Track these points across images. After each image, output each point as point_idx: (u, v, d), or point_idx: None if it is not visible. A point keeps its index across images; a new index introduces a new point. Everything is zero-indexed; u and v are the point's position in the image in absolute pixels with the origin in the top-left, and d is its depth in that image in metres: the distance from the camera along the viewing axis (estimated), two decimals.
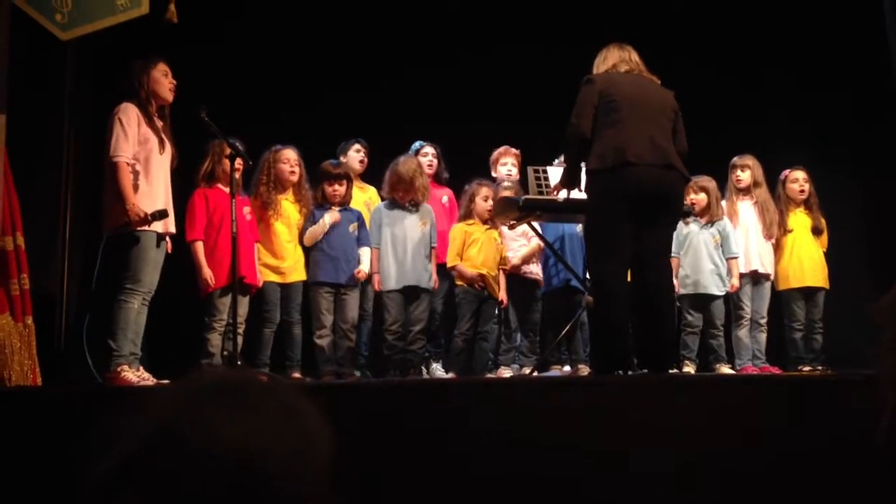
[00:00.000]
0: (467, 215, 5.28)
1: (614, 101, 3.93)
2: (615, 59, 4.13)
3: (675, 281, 5.36)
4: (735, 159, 5.70)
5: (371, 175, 5.59)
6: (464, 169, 5.80)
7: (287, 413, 0.86)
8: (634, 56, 4.17)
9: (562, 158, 4.47)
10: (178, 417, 0.83)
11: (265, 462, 0.81)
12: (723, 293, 5.46)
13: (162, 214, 4.05)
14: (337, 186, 5.07)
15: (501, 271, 5.27)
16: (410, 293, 5.06)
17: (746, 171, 5.63)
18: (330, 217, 4.97)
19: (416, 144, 5.74)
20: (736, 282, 5.46)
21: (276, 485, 0.81)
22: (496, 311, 5.33)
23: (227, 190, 4.58)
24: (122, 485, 0.81)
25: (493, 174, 5.73)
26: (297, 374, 4.88)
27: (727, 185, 5.69)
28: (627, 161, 3.82)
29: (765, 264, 5.54)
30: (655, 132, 3.93)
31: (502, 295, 5.25)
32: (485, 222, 5.25)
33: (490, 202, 5.22)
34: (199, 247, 4.62)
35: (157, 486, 0.80)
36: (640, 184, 3.83)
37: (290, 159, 5.01)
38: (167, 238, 4.27)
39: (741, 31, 6.56)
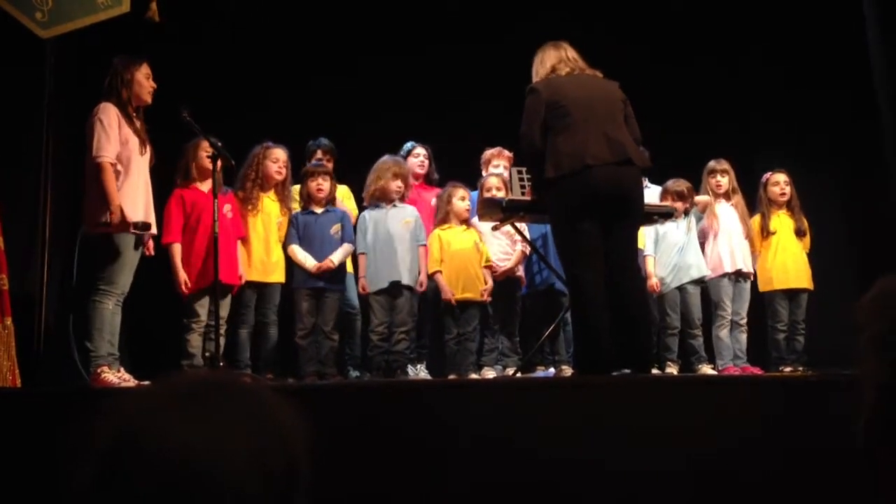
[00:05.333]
0: (444, 219, 5.25)
1: (562, 107, 3.92)
2: (553, 61, 4.11)
3: (654, 280, 5.41)
4: (713, 164, 5.72)
5: (349, 173, 5.57)
6: (451, 171, 5.79)
7: (259, 417, 0.86)
8: (571, 53, 4.14)
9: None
10: (135, 421, 0.83)
11: (233, 467, 0.81)
12: (704, 273, 5.51)
13: (145, 226, 4.04)
14: (320, 181, 5.08)
15: (486, 269, 5.25)
16: (394, 290, 5.04)
17: (726, 176, 5.67)
18: (313, 266, 4.95)
19: (408, 145, 5.71)
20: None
21: (244, 490, 0.82)
22: (479, 313, 5.30)
23: (205, 189, 4.56)
24: (93, 488, 0.81)
25: (485, 174, 5.72)
26: (269, 375, 4.85)
27: (702, 187, 5.72)
28: (586, 164, 3.83)
29: (747, 263, 5.59)
30: (609, 128, 3.92)
31: (486, 293, 5.20)
32: (463, 222, 5.24)
33: (467, 202, 5.21)
34: (176, 249, 4.59)
35: (126, 490, 0.81)
36: (599, 185, 3.83)
37: (279, 159, 5.00)
38: (146, 239, 4.24)
39: (719, 34, 6.60)
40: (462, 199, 5.21)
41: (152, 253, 4.38)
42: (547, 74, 4.10)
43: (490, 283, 5.21)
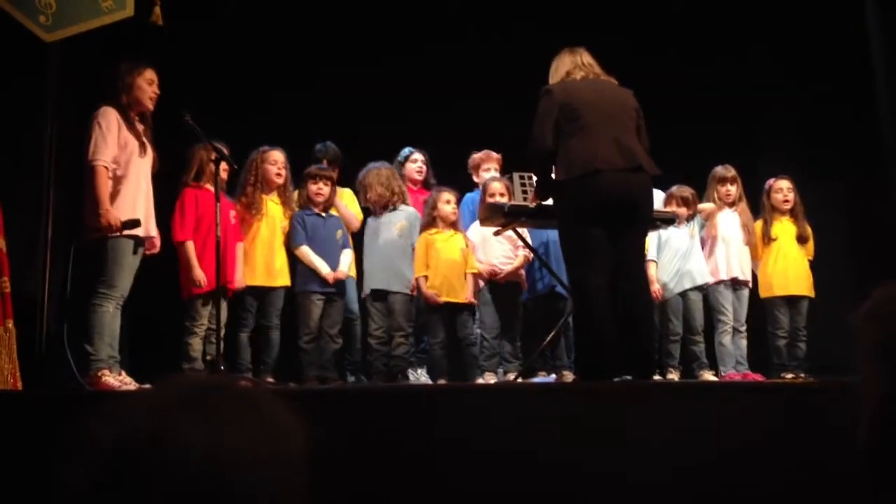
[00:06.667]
0: (430, 224, 5.23)
1: (575, 110, 3.93)
2: (568, 67, 4.12)
3: (657, 286, 5.41)
4: (721, 171, 5.70)
5: (350, 175, 5.58)
6: (452, 174, 5.80)
7: (260, 420, 0.87)
8: (587, 58, 4.15)
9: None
10: (149, 424, 0.83)
11: (234, 469, 0.82)
12: (706, 279, 5.51)
13: (134, 224, 4.03)
14: (321, 185, 5.08)
15: (470, 275, 5.24)
16: (379, 297, 5.06)
17: (735, 184, 5.67)
18: (328, 274, 4.95)
19: (406, 151, 5.72)
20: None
21: (245, 491, 0.82)
22: (471, 316, 5.31)
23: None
24: (94, 493, 0.81)
25: (476, 178, 5.72)
26: (270, 378, 4.85)
27: (707, 193, 5.72)
28: (597, 169, 3.83)
29: (744, 271, 5.60)
30: (620, 134, 3.93)
31: (469, 297, 5.19)
32: (450, 226, 5.23)
33: (453, 205, 5.21)
34: (190, 246, 4.58)
35: (128, 493, 0.80)
36: (609, 190, 3.84)
37: (277, 161, 5.00)
38: (151, 239, 4.25)
39: (722, 37, 6.60)
40: (447, 202, 5.21)
41: (157, 250, 4.37)
42: (562, 79, 4.11)
43: (471, 287, 5.20)
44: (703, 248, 5.63)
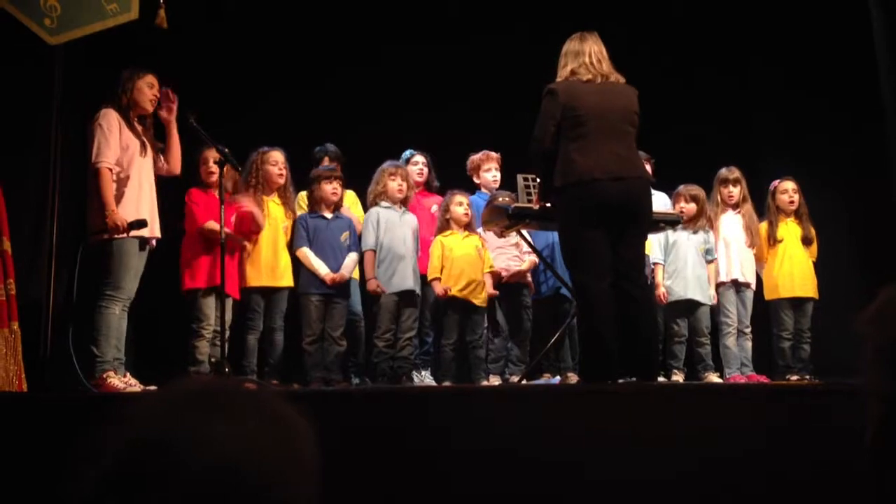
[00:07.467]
0: (444, 227, 5.25)
1: (579, 116, 3.91)
2: (574, 65, 4.05)
3: (661, 290, 5.41)
4: (725, 173, 5.70)
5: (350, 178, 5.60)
6: (455, 176, 5.79)
7: (271, 420, 0.87)
8: (595, 52, 4.07)
9: None
10: (163, 426, 0.83)
11: (252, 469, 0.82)
12: (708, 302, 5.49)
13: (140, 224, 4.04)
14: (336, 185, 5.08)
15: (488, 276, 5.25)
16: (406, 298, 5.05)
17: (738, 185, 5.67)
18: (327, 275, 4.94)
19: (407, 153, 5.72)
20: (712, 291, 5.52)
21: (263, 491, 0.82)
22: (484, 320, 5.31)
23: (216, 194, 4.57)
24: (107, 494, 0.81)
25: (476, 180, 5.71)
26: (274, 381, 4.85)
27: (712, 195, 5.72)
28: (595, 178, 3.83)
29: (746, 274, 5.60)
30: (620, 147, 3.92)
31: (490, 289, 5.21)
32: (464, 228, 5.24)
33: (465, 207, 5.21)
34: (212, 224, 4.53)
35: (142, 496, 0.80)
36: (608, 193, 3.84)
37: (277, 161, 5.00)
38: (151, 242, 4.26)
39: (723, 40, 6.59)
40: (460, 204, 5.22)
41: (173, 113, 4.30)
42: (567, 77, 4.08)
43: (490, 284, 5.22)
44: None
